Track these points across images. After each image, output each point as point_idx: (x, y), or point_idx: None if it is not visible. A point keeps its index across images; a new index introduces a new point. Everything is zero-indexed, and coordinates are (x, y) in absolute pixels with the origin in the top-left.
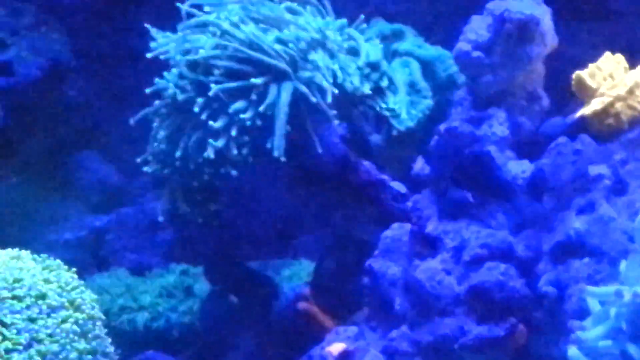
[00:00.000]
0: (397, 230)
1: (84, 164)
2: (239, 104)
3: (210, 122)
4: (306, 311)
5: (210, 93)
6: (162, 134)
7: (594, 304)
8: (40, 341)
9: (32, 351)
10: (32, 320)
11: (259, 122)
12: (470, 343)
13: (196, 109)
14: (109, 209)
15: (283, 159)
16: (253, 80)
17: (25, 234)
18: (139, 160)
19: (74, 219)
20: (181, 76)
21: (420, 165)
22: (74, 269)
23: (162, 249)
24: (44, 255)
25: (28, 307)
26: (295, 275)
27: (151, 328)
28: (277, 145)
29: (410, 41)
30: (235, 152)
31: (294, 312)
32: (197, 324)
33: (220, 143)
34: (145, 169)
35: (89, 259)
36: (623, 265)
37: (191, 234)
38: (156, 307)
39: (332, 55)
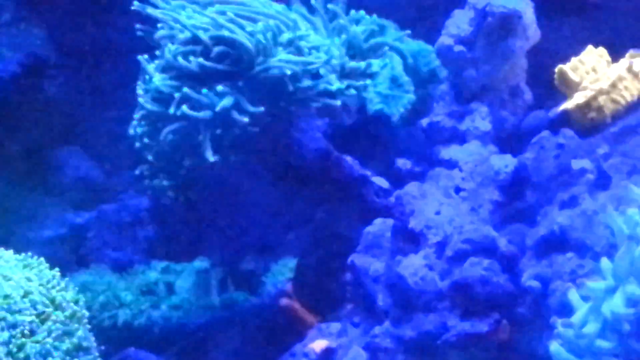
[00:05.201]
0: (380, 226)
1: (65, 161)
2: (226, 100)
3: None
4: (288, 308)
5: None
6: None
7: (576, 301)
8: (22, 339)
9: (14, 349)
10: (14, 318)
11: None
12: (453, 339)
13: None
14: (89, 206)
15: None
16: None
17: (5, 232)
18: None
19: (55, 216)
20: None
21: (402, 160)
22: (57, 268)
23: (144, 246)
24: (26, 255)
25: (10, 306)
26: (278, 271)
27: (132, 325)
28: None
29: (392, 35)
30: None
31: (276, 308)
32: (178, 321)
33: (201, 137)
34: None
35: (69, 257)
36: (605, 261)
37: (173, 231)
38: (137, 305)
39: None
